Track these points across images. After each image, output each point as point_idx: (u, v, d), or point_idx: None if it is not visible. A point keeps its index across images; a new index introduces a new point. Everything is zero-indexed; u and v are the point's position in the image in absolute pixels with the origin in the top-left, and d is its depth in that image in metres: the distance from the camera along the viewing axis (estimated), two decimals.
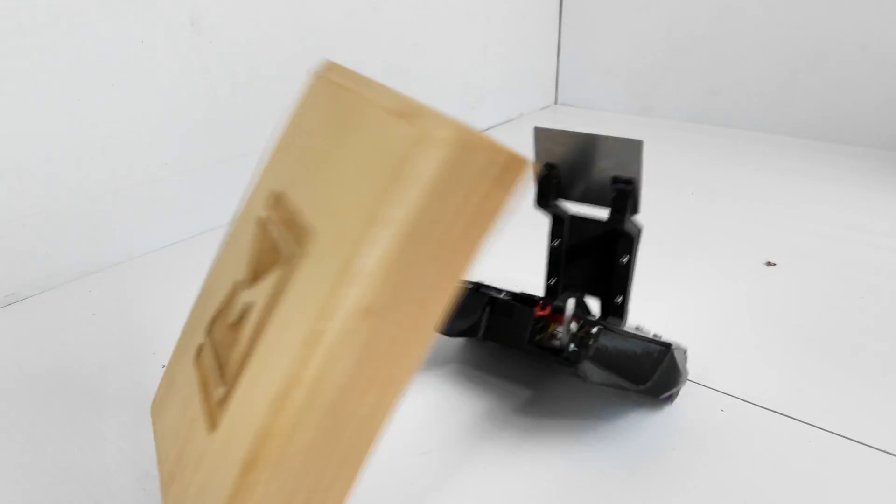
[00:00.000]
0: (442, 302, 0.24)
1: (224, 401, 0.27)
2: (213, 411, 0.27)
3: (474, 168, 0.23)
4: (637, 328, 0.40)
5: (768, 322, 0.50)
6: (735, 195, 0.77)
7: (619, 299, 0.41)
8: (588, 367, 0.36)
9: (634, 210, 0.39)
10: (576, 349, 0.37)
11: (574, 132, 0.38)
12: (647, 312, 0.49)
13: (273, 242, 0.29)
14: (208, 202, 0.67)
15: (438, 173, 0.22)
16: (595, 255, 0.41)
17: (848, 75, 0.94)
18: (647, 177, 0.75)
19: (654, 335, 0.39)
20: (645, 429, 0.39)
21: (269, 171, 0.33)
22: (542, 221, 0.43)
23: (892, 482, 0.35)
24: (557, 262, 0.43)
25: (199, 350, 0.31)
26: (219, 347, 0.30)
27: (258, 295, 0.28)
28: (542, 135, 0.40)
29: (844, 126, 0.97)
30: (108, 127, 0.57)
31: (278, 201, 0.30)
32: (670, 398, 0.40)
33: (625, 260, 0.40)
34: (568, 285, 0.43)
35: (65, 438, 0.39)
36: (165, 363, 0.46)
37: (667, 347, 0.36)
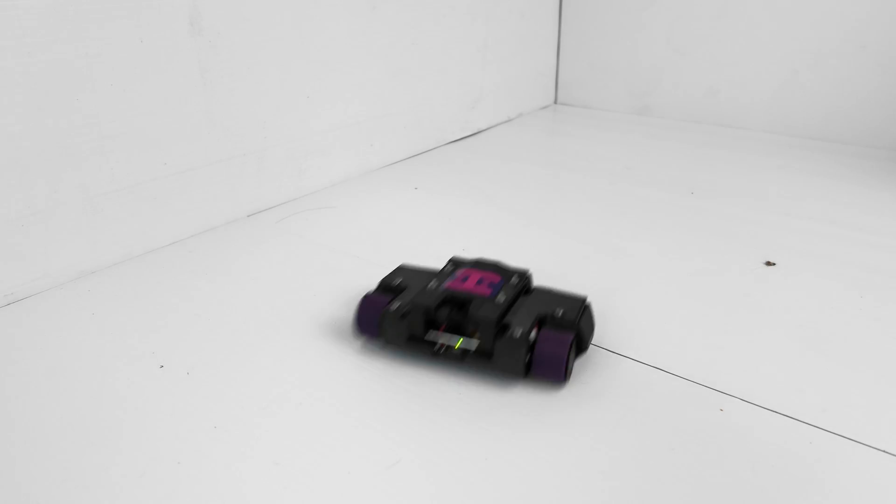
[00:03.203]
0: None
1: None
2: None
3: None
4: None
5: (768, 322, 0.50)
6: (734, 195, 0.77)
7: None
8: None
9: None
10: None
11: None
12: (645, 312, 0.49)
13: None
14: (208, 202, 0.67)
15: None
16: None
17: (848, 75, 0.94)
18: (647, 177, 0.76)
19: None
20: (641, 425, 0.39)
21: None
22: None
23: (891, 482, 0.35)
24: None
25: None
26: None
27: None
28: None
29: (844, 126, 0.97)
30: (107, 126, 0.57)
31: None
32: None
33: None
34: None
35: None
36: (164, 363, 0.46)
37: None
